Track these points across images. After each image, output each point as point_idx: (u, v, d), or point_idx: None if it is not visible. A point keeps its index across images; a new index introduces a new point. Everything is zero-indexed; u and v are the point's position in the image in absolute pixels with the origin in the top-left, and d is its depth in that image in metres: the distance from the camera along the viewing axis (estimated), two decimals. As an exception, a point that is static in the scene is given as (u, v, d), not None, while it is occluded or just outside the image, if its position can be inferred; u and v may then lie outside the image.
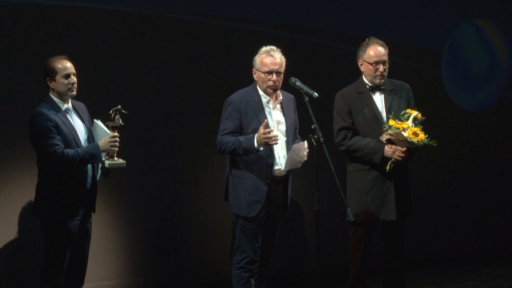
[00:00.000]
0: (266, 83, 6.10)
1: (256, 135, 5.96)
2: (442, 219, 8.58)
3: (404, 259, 6.58)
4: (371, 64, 6.39)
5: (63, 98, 5.77)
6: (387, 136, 6.23)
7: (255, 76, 6.15)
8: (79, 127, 5.82)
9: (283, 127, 6.20)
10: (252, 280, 6.18)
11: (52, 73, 5.71)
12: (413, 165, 6.56)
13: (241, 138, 6.02)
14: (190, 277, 7.55)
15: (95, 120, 5.92)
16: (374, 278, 6.86)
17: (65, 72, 5.72)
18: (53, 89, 5.74)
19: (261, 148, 5.98)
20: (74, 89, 5.76)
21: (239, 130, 6.08)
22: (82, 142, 5.77)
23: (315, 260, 6.07)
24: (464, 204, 8.69)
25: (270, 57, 6.10)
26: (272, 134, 5.96)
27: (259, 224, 6.13)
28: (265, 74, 6.09)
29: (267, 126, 5.98)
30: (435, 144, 6.22)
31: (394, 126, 6.18)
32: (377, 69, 6.39)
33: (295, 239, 7.94)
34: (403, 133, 6.15)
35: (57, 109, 5.73)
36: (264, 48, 6.16)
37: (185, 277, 7.53)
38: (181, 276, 7.51)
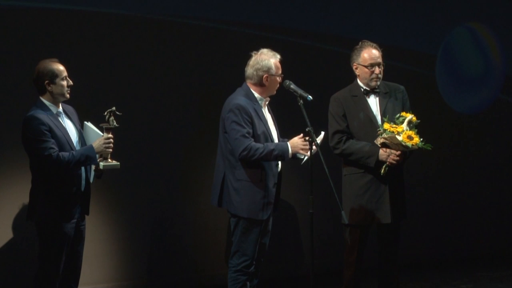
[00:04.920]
0: (277, 85, 6.19)
1: (290, 143, 6.01)
2: (437, 222, 8.59)
3: (399, 262, 6.59)
4: (366, 67, 6.39)
5: (56, 101, 5.77)
6: (382, 140, 6.23)
7: (266, 82, 6.14)
8: (71, 129, 5.82)
9: (274, 127, 6.25)
10: (248, 283, 6.17)
11: (52, 76, 5.71)
12: (407, 168, 6.57)
13: (271, 145, 6.02)
14: (184, 280, 7.54)
15: (85, 122, 5.93)
16: (369, 281, 6.87)
17: (64, 74, 5.75)
18: (50, 92, 5.73)
19: (303, 157, 6.06)
20: (69, 91, 5.78)
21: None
22: (75, 144, 5.77)
23: (309, 263, 6.06)
24: (459, 206, 8.69)
25: (278, 61, 6.20)
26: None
27: (262, 226, 6.14)
28: (280, 77, 6.17)
29: (267, 133, 6.08)
30: (430, 148, 6.23)
31: (388, 130, 6.19)
32: (372, 72, 6.39)
33: (290, 242, 7.94)
34: (397, 137, 6.15)
35: (50, 113, 5.72)
36: (272, 52, 6.19)
37: (180, 280, 7.52)
38: (175, 279, 7.50)
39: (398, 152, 6.25)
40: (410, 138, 6.15)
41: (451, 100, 8.69)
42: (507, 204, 8.91)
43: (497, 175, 8.87)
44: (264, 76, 6.13)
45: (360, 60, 6.41)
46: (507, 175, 8.91)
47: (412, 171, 7.68)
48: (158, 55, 7.38)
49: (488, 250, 8.75)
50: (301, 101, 6.03)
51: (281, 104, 6.61)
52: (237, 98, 6.13)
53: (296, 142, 6.03)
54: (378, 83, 6.44)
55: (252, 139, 6.01)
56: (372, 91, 6.45)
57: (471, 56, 8.76)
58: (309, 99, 6.01)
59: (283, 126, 6.44)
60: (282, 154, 6.01)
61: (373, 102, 6.45)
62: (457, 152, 8.72)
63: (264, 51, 6.18)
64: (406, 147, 6.17)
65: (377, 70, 6.39)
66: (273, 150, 6.00)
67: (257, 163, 6.05)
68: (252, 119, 6.05)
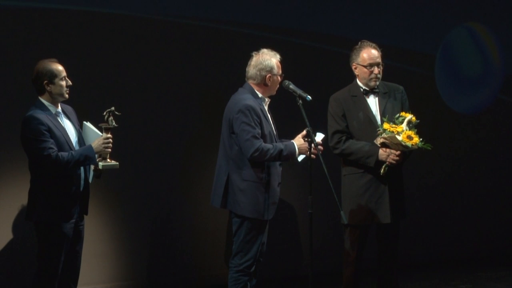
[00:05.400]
0: (278, 85, 6.21)
1: (296, 143, 6.03)
2: (436, 222, 8.58)
3: (398, 262, 6.58)
4: (365, 66, 6.39)
5: (55, 101, 5.77)
6: (381, 140, 6.23)
7: (269, 82, 6.15)
8: (70, 129, 5.82)
9: (274, 127, 6.25)
10: (249, 284, 6.16)
11: (51, 76, 5.71)
12: (406, 167, 6.57)
13: (280, 145, 6.03)
14: (183, 280, 7.54)
15: (84, 122, 5.92)
16: (368, 281, 6.86)
17: (63, 74, 5.75)
18: (50, 92, 5.73)
19: (302, 157, 6.08)
20: (68, 91, 5.78)
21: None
22: (74, 144, 5.77)
23: (308, 263, 6.06)
24: (458, 207, 8.69)
25: (279, 61, 6.22)
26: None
27: (265, 226, 6.15)
28: (281, 77, 6.20)
29: (272, 133, 6.06)
30: (429, 148, 6.23)
31: (388, 130, 6.19)
32: (372, 72, 6.39)
33: (289, 242, 7.93)
34: (397, 136, 6.15)
35: (49, 113, 5.72)
36: (273, 52, 6.21)
37: (179, 281, 7.52)
38: (174, 279, 7.50)
39: (398, 152, 6.25)
40: (409, 138, 6.16)
41: (450, 100, 8.69)
42: (506, 205, 8.91)
43: (496, 175, 8.86)
44: (267, 76, 6.13)
45: (359, 60, 6.42)
46: (506, 175, 8.91)
47: (412, 171, 7.68)
48: (158, 55, 7.38)
49: (487, 250, 8.75)
50: (300, 101, 6.03)
51: (280, 104, 6.61)
52: (246, 98, 6.11)
53: (302, 144, 6.03)
54: (377, 83, 6.44)
55: (262, 140, 6.01)
56: (372, 91, 6.45)
57: (470, 56, 8.76)
58: (308, 99, 6.01)
59: (282, 126, 6.44)
60: (289, 154, 6.03)
61: (373, 102, 6.45)
62: (456, 152, 8.72)
63: (265, 51, 6.19)
64: (406, 147, 6.17)
65: (376, 70, 6.39)
66: (282, 150, 6.01)
67: (262, 163, 6.04)
68: (261, 120, 6.05)
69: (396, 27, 8.35)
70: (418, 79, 8.44)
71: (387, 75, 6.58)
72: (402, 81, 6.80)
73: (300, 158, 6.17)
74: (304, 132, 6.02)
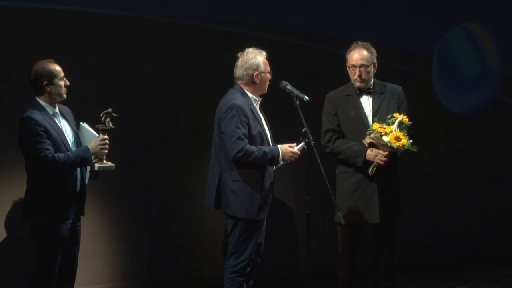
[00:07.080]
0: (267, 82, 6.19)
1: (280, 149, 6.02)
2: (434, 222, 8.59)
3: (396, 262, 6.58)
4: (349, 67, 6.43)
5: (53, 102, 5.78)
6: (369, 140, 6.23)
7: (257, 79, 6.15)
8: (67, 130, 5.82)
9: (267, 127, 6.25)
10: (245, 284, 6.16)
11: (51, 77, 5.71)
12: (403, 168, 6.57)
13: (264, 148, 6.02)
14: (181, 280, 7.54)
15: (81, 123, 5.92)
16: (365, 282, 6.86)
17: (62, 75, 5.76)
18: (49, 93, 5.73)
19: (281, 162, 6.07)
20: (66, 91, 5.79)
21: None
22: (71, 145, 5.78)
23: (305, 263, 6.06)
24: (455, 207, 8.70)
25: (265, 58, 6.20)
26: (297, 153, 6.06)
27: (259, 226, 6.14)
28: (269, 74, 6.18)
29: (262, 133, 6.05)
30: (415, 150, 6.21)
31: (376, 130, 6.19)
32: (354, 73, 6.41)
33: (286, 243, 7.94)
34: (383, 137, 6.14)
35: (46, 113, 5.72)
36: (258, 50, 6.19)
37: (176, 281, 7.52)
38: (172, 279, 7.50)
39: (386, 153, 6.23)
40: (397, 139, 6.14)
41: (447, 100, 8.70)
42: (506, 205, 8.92)
43: (494, 176, 8.87)
44: (254, 74, 6.14)
45: (347, 61, 6.45)
46: (505, 175, 8.91)
47: (408, 172, 7.69)
48: (155, 56, 7.38)
49: (486, 251, 8.75)
50: (298, 101, 6.04)
51: (277, 105, 6.61)
52: (234, 98, 6.11)
53: (286, 150, 6.04)
54: (362, 84, 6.42)
55: (247, 141, 6.00)
56: (366, 90, 6.45)
57: (467, 57, 8.77)
58: (306, 100, 6.02)
59: (279, 126, 6.45)
60: (273, 158, 6.02)
61: (366, 102, 6.45)
62: (454, 153, 8.72)
63: (250, 50, 6.20)
64: (391, 147, 6.17)
65: (357, 71, 6.40)
66: (267, 153, 6.00)
67: (253, 164, 6.04)
68: (249, 120, 6.04)
69: (393, 28, 8.36)
70: (415, 80, 8.44)
71: (384, 75, 6.58)
72: (399, 81, 6.79)
73: (280, 163, 6.15)
74: (294, 144, 6.03)
